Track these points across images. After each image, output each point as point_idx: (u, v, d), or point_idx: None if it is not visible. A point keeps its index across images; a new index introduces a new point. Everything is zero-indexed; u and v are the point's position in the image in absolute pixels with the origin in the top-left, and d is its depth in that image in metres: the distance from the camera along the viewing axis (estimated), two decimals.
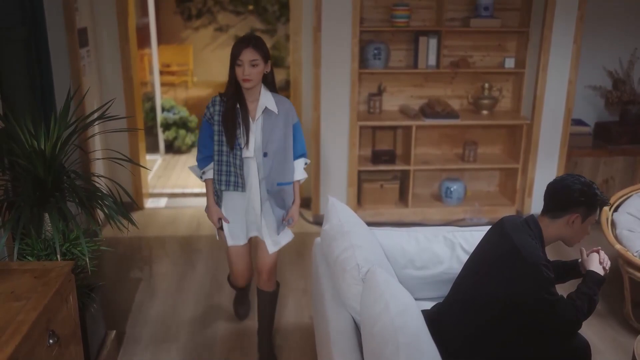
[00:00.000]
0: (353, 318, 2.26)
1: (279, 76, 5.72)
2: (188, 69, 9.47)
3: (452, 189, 4.83)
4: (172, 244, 4.45)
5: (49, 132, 2.67)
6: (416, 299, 2.28)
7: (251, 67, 2.57)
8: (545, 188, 2.32)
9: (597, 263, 2.33)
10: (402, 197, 4.89)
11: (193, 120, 7.05)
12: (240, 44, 2.58)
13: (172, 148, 6.92)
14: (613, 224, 3.56)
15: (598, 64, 4.96)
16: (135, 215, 4.13)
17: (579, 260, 2.44)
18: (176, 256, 4.25)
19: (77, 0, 4.07)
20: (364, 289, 2.11)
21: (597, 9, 4.70)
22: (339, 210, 2.61)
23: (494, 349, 2.23)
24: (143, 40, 6.31)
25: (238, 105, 2.66)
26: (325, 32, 4.33)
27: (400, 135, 4.88)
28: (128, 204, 2.99)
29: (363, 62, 4.55)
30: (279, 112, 2.70)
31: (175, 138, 6.89)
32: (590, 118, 5.08)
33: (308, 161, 2.92)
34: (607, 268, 2.35)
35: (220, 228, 2.87)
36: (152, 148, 6.70)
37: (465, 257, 2.58)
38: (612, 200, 3.66)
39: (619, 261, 3.33)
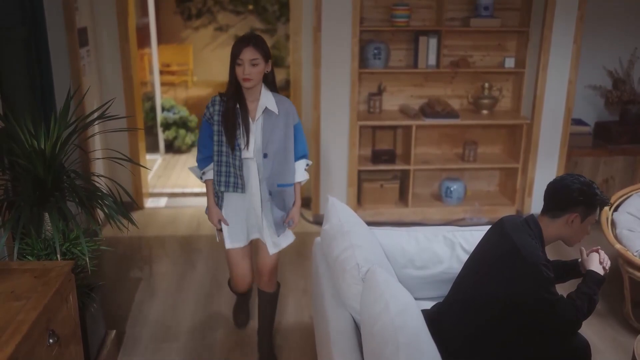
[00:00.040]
0: (353, 318, 2.26)
1: (279, 76, 5.71)
2: (188, 68, 9.47)
3: (452, 189, 4.83)
4: (172, 244, 4.45)
5: (49, 131, 2.67)
6: (416, 299, 2.27)
7: (251, 67, 2.53)
8: (545, 188, 2.32)
9: (597, 263, 2.33)
10: (402, 197, 4.89)
11: (193, 119, 7.05)
12: (241, 43, 2.55)
13: (172, 148, 6.92)
14: (613, 224, 3.56)
15: (598, 63, 4.96)
16: (135, 215, 4.12)
17: (579, 260, 2.44)
18: (176, 256, 4.25)
19: (77, 0, 4.08)
20: (364, 288, 2.11)
21: (597, 8, 4.70)
22: (339, 210, 2.61)
23: (494, 349, 2.23)
24: (143, 40, 6.31)
25: (238, 106, 2.62)
26: (325, 32, 4.33)
27: (400, 135, 4.88)
28: (128, 203, 2.98)
29: (363, 61, 4.55)
30: (279, 112, 2.67)
31: (175, 138, 6.89)
32: (590, 118, 5.08)
33: (310, 162, 2.87)
34: (607, 268, 2.35)
35: (220, 230, 2.83)
36: (152, 148, 6.70)
37: (465, 257, 2.58)
38: (612, 200, 3.66)
39: (619, 261, 3.33)
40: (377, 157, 4.70)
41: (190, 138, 6.94)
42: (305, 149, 2.84)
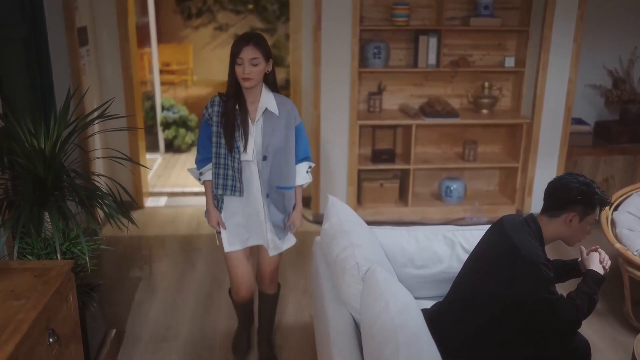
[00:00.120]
0: (353, 317, 2.26)
1: (279, 75, 5.70)
2: (188, 67, 9.46)
3: (452, 188, 4.83)
4: (172, 243, 4.45)
5: (49, 131, 2.67)
6: (416, 298, 2.27)
7: (252, 66, 2.45)
8: (545, 187, 2.32)
9: (597, 262, 2.33)
10: (402, 196, 4.89)
11: (193, 119, 7.05)
12: (241, 42, 2.47)
13: (172, 147, 6.92)
14: (613, 223, 3.56)
15: (598, 63, 4.96)
16: (135, 214, 4.12)
17: (579, 259, 2.44)
18: (176, 255, 4.25)
19: None
20: (363, 288, 2.11)
21: (597, 8, 4.70)
22: (338, 210, 2.61)
23: (494, 348, 2.23)
24: (143, 39, 6.31)
25: (237, 107, 2.54)
26: (325, 31, 4.33)
27: (400, 134, 4.88)
28: (128, 202, 2.98)
29: (363, 61, 4.55)
30: (280, 113, 2.58)
31: (175, 137, 6.89)
32: (590, 117, 5.08)
33: (312, 164, 2.77)
34: (607, 267, 2.35)
35: (219, 232, 2.74)
36: (152, 147, 6.70)
37: (465, 256, 2.58)
38: (612, 199, 3.66)
39: (619, 260, 3.33)
40: (377, 156, 4.70)
41: (190, 137, 6.94)
42: (308, 151, 2.75)
